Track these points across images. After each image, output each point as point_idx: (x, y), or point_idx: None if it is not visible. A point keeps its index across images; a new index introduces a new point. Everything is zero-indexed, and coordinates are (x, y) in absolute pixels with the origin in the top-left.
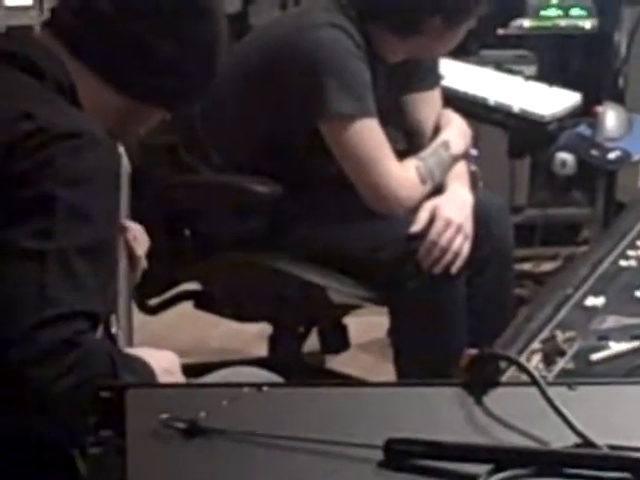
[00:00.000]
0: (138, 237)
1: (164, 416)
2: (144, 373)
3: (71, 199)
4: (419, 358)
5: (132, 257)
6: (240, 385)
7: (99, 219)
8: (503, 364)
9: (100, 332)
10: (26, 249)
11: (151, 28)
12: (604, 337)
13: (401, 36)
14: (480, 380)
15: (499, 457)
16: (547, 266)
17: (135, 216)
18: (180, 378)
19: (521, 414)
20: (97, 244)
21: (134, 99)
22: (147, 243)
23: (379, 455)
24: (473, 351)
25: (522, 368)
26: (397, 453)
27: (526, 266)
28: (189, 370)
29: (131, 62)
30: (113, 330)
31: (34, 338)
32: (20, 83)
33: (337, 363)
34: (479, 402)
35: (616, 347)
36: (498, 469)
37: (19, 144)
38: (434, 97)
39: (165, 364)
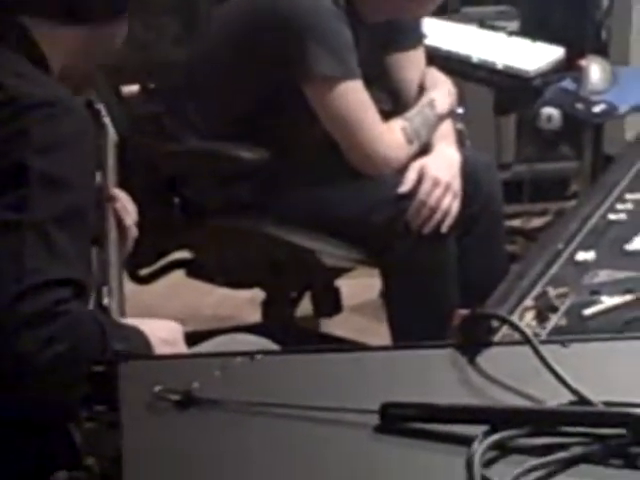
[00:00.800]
0: (127, 206)
1: (157, 388)
2: (138, 342)
3: (46, 167)
4: (412, 319)
5: (122, 227)
6: (233, 354)
7: (75, 185)
8: (495, 323)
9: (92, 302)
10: (2, 221)
11: None
12: (596, 292)
13: None
14: (473, 340)
15: (494, 418)
16: (537, 222)
17: (123, 185)
18: (182, 348)
19: (515, 373)
20: (74, 211)
21: (89, 22)
22: (135, 212)
23: (375, 420)
24: (465, 311)
25: (514, 327)
26: (393, 417)
27: (516, 222)
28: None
29: None
30: (105, 301)
31: (14, 310)
32: None
33: (330, 326)
34: (472, 362)
35: (609, 301)
36: (493, 430)
37: None
38: (418, 56)
39: (163, 334)
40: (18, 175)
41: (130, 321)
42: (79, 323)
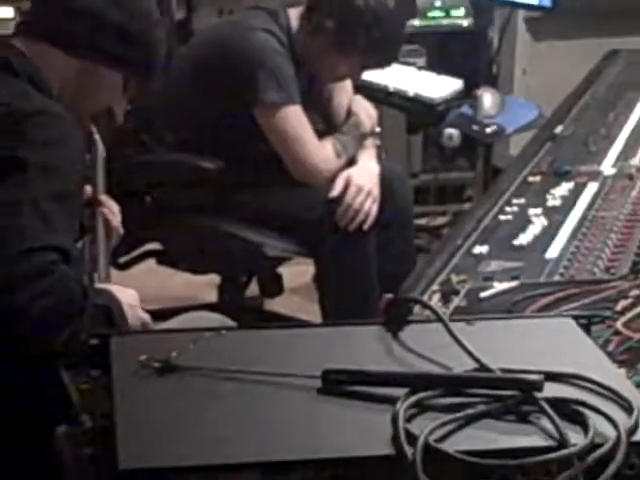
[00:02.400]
0: (113, 209)
1: (142, 357)
2: (112, 301)
3: (41, 158)
4: (339, 299)
5: (109, 227)
6: (203, 330)
7: (64, 174)
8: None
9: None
10: (5, 200)
11: (100, 3)
12: (489, 278)
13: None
14: (395, 319)
15: (414, 382)
16: (439, 220)
17: (107, 188)
18: (140, 310)
19: (429, 346)
20: (64, 192)
21: (89, 58)
22: (119, 214)
23: (318, 383)
24: (389, 296)
25: (430, 308)
26: (332, 381)
27: (422, 221)
28: (153, 315)
29: (84, 28)
30: (96, 284)
31: (15, 266)
32: None
33: (273, 305)
34: (395, 337)
35: (499, 286)
36: (413, 392)
37: None
38: (346, 86)
39: (129, 299)
40: (17, 166)
41: (104, 286)
42: (67, 281)
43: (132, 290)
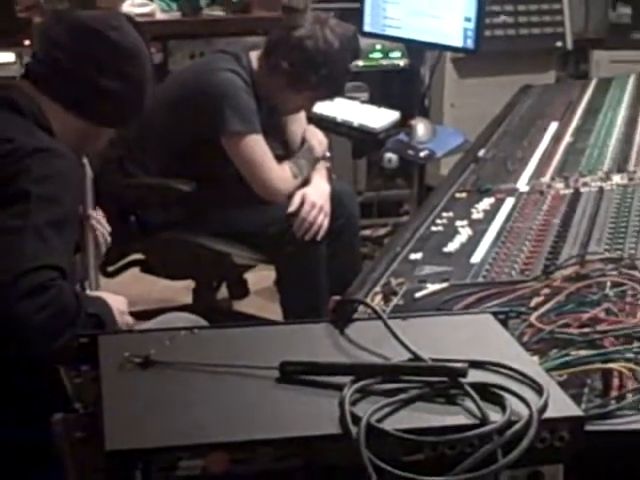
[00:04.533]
0: (102, 222)
1: (126, 354)
2: (103, 309)
3: (42, 190)
4: (296, 299)
5: (97, 238)
6: (178, 329)
7: (64, 202)
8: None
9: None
10: (10, 226)
11: (99, 70)
12: (423, 281)
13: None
14: (342, 317)
15: (357, 371)
16: (381, 231)
17: (97, 208)
18: (128, 316)
19: (371, 340)
20: (63, 219)
21: (88, 121)
22: (108, 228)
23: (276, 373)
24: (337, 297)
25: (371, 308)
26: (288, 372)
27: (367, 232)
28: (139, 315)
29: (85, 95)
30: (86, 290)
31: (17, 283)
32: (5, 118)
33: (241, 306)
34: (342, 333)
35: (432, 287)
36: (357, 380)
37: (3, 159)
38: (300, 117)
39: (119, 305)
40: (21, 197)
41: (96, 293)
42: (63, 295)
43: (121, 297)
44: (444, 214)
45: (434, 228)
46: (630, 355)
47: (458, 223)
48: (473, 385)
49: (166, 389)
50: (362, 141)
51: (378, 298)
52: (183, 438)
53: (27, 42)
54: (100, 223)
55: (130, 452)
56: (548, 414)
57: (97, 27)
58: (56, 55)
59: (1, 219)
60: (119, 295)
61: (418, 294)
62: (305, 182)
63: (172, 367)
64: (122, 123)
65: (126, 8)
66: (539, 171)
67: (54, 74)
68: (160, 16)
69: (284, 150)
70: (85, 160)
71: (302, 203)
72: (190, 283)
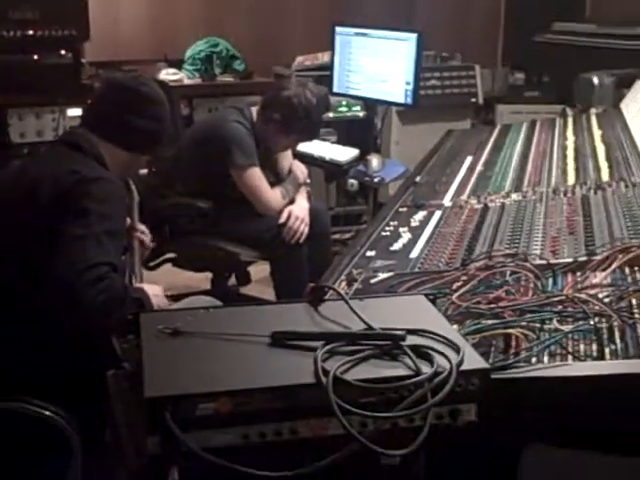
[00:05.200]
0: (145, 232)
1: (160, 326)
2: (143, 295)
3: (99, 208)
4: (285, 286)
5: (142, 243)
6: (198, 308)
7: (115, 217)
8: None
9: (126, 279)
10: (75, 234)
11: (136, 115)
12: (376, 271)
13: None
14: (316, 299)
15: (327, 338)
16: (346, 236)
17: (143, 222)
18: (164, 299)
19: (338, 315)
20: (114, 230)
21: (133, 152)
22: (150, 235)
23: (268, 340)
24: (312, 284)
25: (337, 292)
26: (278, 339)
27: (336, 236)
28: (170, 298)
29: (128, 134)
30: (133, 281)
31: (82, 277)
32: (71, 155)
33: (245, 290)
34: (317, 310)
35: (382, 276)
36: (328, 343)
37: (71, 187)
38: (288, 154)
39: (155, 291)
40: (84, 212)
41: (138, 285)
42: (115, 284)
43: (157, 285)
44: (391, 223)
45: (384, 233)
46: (523, 323)
47: (401, 229)
48: (410, 347)
49: (189, 352)
50: (332, 171)
51: (343, 284)
52: (200, 387)
53: (89, 101)
54: (144, 233)
55: (162, 398)
56: (464, 367)
57: (130, 84)
58: (104, 107)
59: (70, 229)
60: (156, 283)
61: (372, 281)
62: (291, 201)
63: (194, 336)
64: (152, 149)
65: (162, 76)
66: (459, 191)
67: (105, 121)
68: (187, 81)
69: (275, 178)
70: (133, 186)
71: (289, 217)
72: (208, 274)
